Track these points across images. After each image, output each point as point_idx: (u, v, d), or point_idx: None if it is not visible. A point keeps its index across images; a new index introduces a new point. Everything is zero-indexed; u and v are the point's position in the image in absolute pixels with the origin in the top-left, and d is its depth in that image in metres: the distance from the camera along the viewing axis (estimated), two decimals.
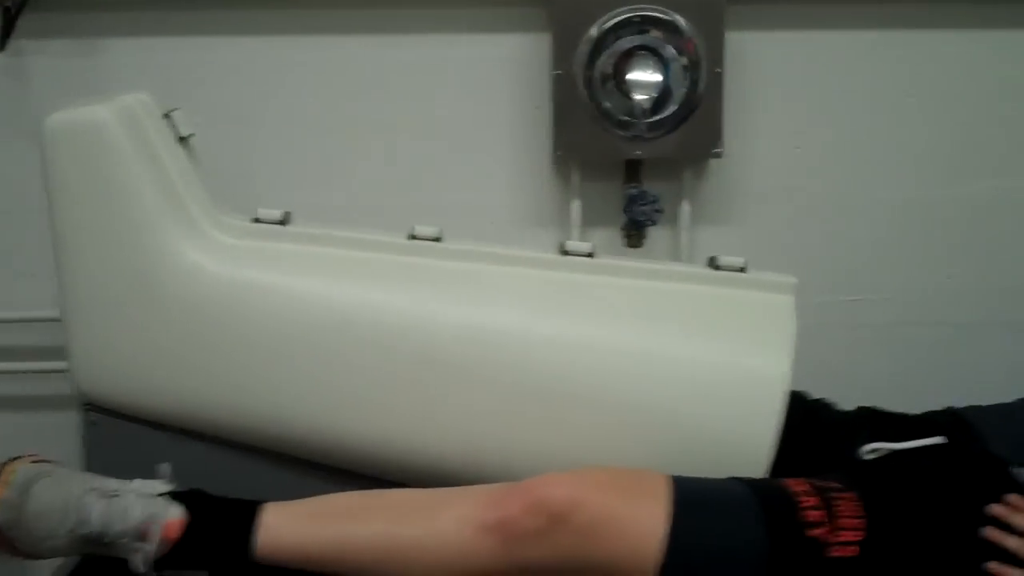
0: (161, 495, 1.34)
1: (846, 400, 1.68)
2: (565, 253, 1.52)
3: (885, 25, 1.92)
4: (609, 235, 1.93)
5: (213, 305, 1.44)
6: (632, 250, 1.91)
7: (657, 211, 1.85)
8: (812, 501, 1.34)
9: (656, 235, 1.93)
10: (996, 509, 1.39)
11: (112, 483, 1.35)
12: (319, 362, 1.43)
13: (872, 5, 1.91)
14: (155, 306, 1.43)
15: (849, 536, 1.32)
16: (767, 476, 1.42)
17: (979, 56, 1.94)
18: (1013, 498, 1.40)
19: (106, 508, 1.31)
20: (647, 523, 1.28)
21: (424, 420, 1.43)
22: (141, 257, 1.43)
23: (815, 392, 1.68)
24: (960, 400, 1.68)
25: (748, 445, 1.42)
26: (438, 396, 1.43)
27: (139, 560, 1.31)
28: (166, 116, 1.47)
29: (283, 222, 1.50)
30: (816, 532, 1.31)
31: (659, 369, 1.44)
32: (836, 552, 1.31)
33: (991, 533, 1.37)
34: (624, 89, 1.81)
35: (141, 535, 1.31)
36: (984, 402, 1.67)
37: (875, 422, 1.60)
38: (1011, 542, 1.36)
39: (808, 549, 1.30)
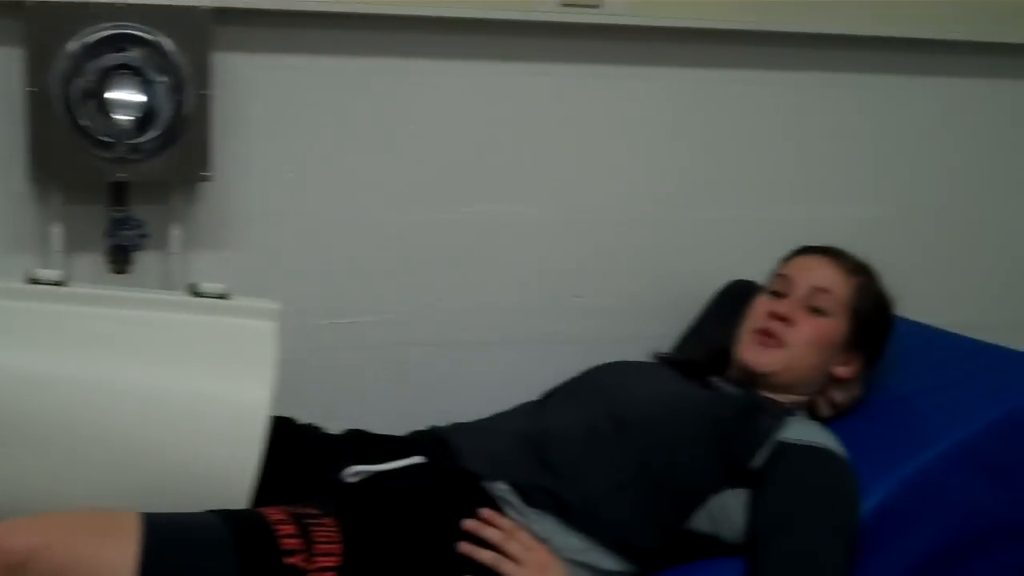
0: None
1: (344, 423, 1.71)
2: (34, 281, 1.44)
3: (385, 53, 1.96)
4: (94, 261, 1.84)
5: None
6: (119, 276, 1.83)
7: (143, 235, 1.79)
8: (289, 529, 1.35)
9: (146, 261, 1.86)
10: (469, 524, 1.45)
11: None
12: None
13: (369, 32, 1.94)
14: None
15: (326, 562, 1.34)
16: (249, 505, 1.41)
17: (489, 88, 2.04)
18: (486, 513, 1.48)
19: None
20: (116, 563, 1.24)
21: None
22: None
23: (311, 417, 1.70)
24: (455, 416, 1.76)
25: (230, 475, 1.41)
26: None
27: None
28: None
29: None
30: (293, 560, 1.32)
31: (134, 401, 1.40)
32: None
33: (465, 548, 1.44)
34: (105, 108, 1.73)
35: None
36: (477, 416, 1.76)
37: (360, 444, 1.64)
38: (484, 555, 1.43)
39: None
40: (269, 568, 1.31)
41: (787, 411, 1.63)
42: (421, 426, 1.75)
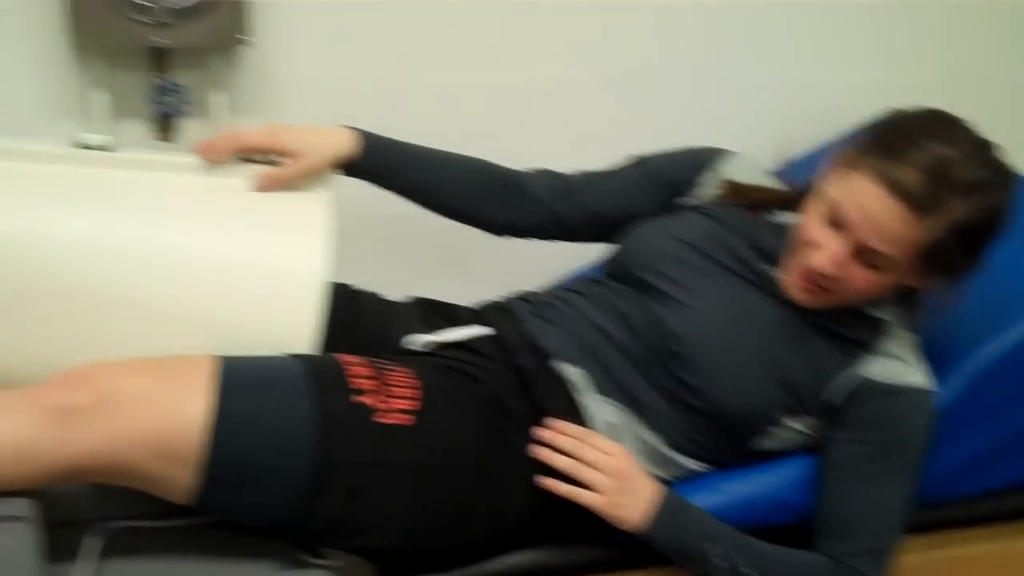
0: None
1: (399, 290, 1.70)
2: (81, 146, 1.42)
3: None
4: (139, 128, 1.82)
5: None
6: (164, 144, 1.81)
7: (186, 102, 1.76)
8: (363, 371, 1.37)
9: (190, 128, 1.84)
10: (542, 434, 1.45)
11: None
12: None
13: None
14: None
15: (401, 404, 1.35)
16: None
17: None
18: (556, 423, 1.46)
19: None
20: (190, 398, 1.27)
21: None
22: None
23: (367, 283, 1.69)
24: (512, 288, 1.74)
25: (289, 340, 1.41)
26: None
27: None
28: None
29: None
30: (363, 399, 1.34)
31: (192, 266, 1.39)
32: (386, 419, 1.34)
33: (540, 453, 1.44)
34: None
35: None
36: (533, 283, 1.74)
37: (425, 312, 1.63)
38: (560, 461, 1.43)
39: (354, 415, 1.33)
40: (341, 406, 1.33)
41: (873, 328, 1.53)
42: (476, 298, 1.72)
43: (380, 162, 1.58)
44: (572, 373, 1.50)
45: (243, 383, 1.31)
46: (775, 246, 1.54)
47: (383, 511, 1.35)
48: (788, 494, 1.55)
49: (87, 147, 1.42)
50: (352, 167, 1.56)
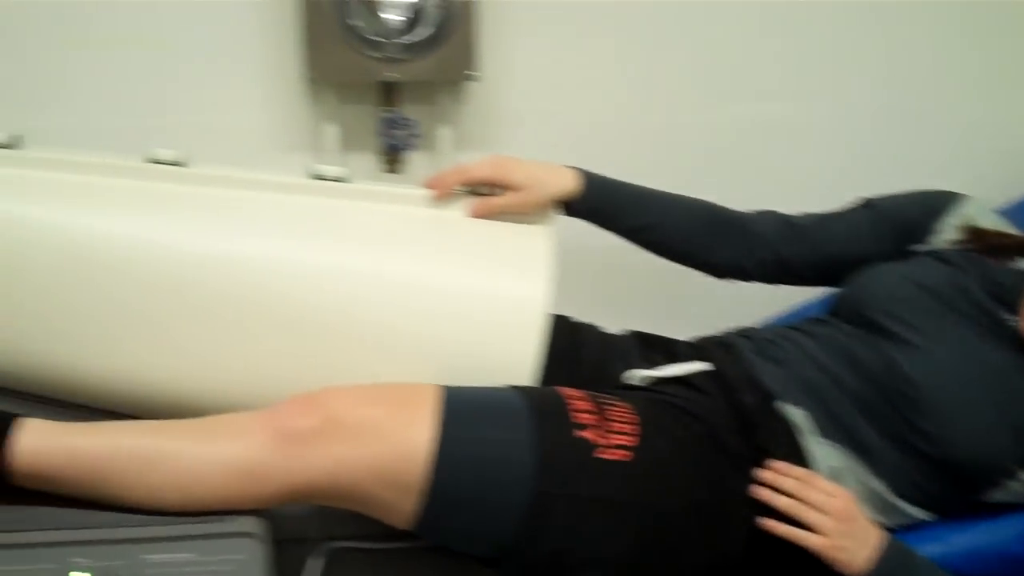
0: None
1: (612, 323, 1.69)
2: (317, 177, 1.47)
3: None
4: (367, 160, 1.87)
5: None
6: (391, 176, 1.86)
7: (414, 135, 1.81)
8: (584, 405, 1.36)
9: (416, 161, 1.89)
10: (764, 475, 1.41)
11: None
12: (52, 295, 1.34)
13: None
14: None
15: (621, 440, 1.34)
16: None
17: None
18: (779, 464, 1.42)
19: None
20: (416, 428, 1.29)
21: (170, 352, 1.37)
22: None
23: (581, 315, 1.69)
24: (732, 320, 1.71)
25: (510, 371, 1.41)
26: (185, 328, 1.37)
27: None
28: None
29: (10, 145, 1.41)
30: (585, 434, 1.33)
31: (418, 295, 1.41)
32: (605, 454, 1.32)
33: (762, 493, 1.40)
34: (375, 8, 1.75)
35: None
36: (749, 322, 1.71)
37: (643, 346, 1.61)
38: (781, 502, 1.39)
39: (576, 449, 1.32)
40: (564, 440, 1.32)
41: None
42: (694, 333, 1.68)
43: (602, 202, 1.58)
44: (795, 414, 1.46)
45: (467, 414, 1.32)
46: (1015, 293, 1.47)
47: (598, 546, 1.34)
48: (1018, 547, 1.47)
49: (323, 178, 1.46)
50: (573, 206, 1.56)
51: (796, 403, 1.47)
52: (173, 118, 1.83)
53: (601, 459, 1.33)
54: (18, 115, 1.67)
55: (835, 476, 1.43)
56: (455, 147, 1.90)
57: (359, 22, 1.75)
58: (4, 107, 1.77)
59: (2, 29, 1.78)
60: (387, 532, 1.35)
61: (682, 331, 1.68)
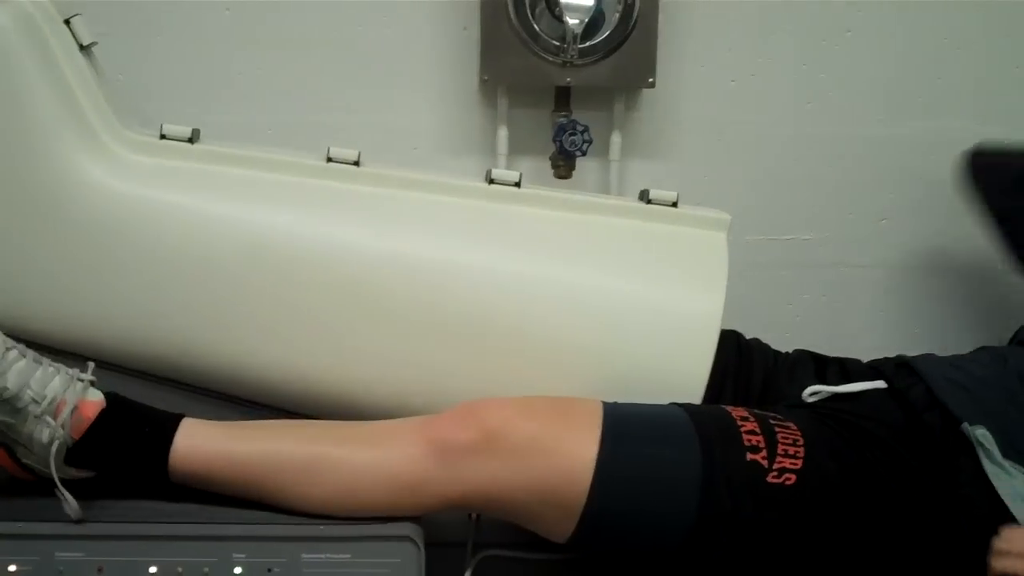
0: (83, 380, 1.26)
1: (777, 341, 1.65)
2: (491, 182, 1.46)
3: None
4: (537, 164, 1.86)
5: (114, 224, 1.36)
6: (560, 181, 1.84)
7: (587, 141, 1.78)
8: (752, 426, 1.32)
9: (585, 166, 1.86)
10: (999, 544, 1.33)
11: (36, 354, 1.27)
12: (227, 290, 1.36)
13: None
14: (50, 223, 1.36)
15: (788, 463, 1.29)
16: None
17: None
18: (1010, 532, 1.35)
19: (27, 369, 1.23)
20: (578, 446, 1.27)
21: (340, 352, 1.38)
22: (37, 172, 1.35)
23: (747, 332, 1.65)
24: (896, 345, 1.65)
25: (681, 385, 1.39)
26: (355, 328, 1.37)
27: (45, 435, 1.22)
28: (66, 22, 1.38)
29: (191, 139, 1.43)
30: (756, 457, 1.29)
31: (590, 303, 1.39)
32: (773, 479, 1.29)
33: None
34: (555, 12, 1.73)
35: (56, 409, 1.23)
36: (919, 348, 1.64)
37: (814, 364, 1.56)
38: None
39: (745, 473, 1.29)
40: (732, 463, 1.29)
41: None
42: (856, 353, 1.64)
43: None
44: (981, 436, 1.40)
45: (632, 432, 1.29)
46: None
47: (758, 570, 1.31)
48: None
49: (499, 183, 1.45)
50: None
51: (980, 424, 1.40)
52: (347, 117, 1.84)
53: (769, 483, 1.29)
54: (195, 111, 1.70)
55: (1018, 499, 1.37)
56: (624, 154, 1.87)
57: (539, 27, 1.74)
58: (183, 103, 1.81)
59: (185, 30, 1.81)
60: (539, 541, 1.34)
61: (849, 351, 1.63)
